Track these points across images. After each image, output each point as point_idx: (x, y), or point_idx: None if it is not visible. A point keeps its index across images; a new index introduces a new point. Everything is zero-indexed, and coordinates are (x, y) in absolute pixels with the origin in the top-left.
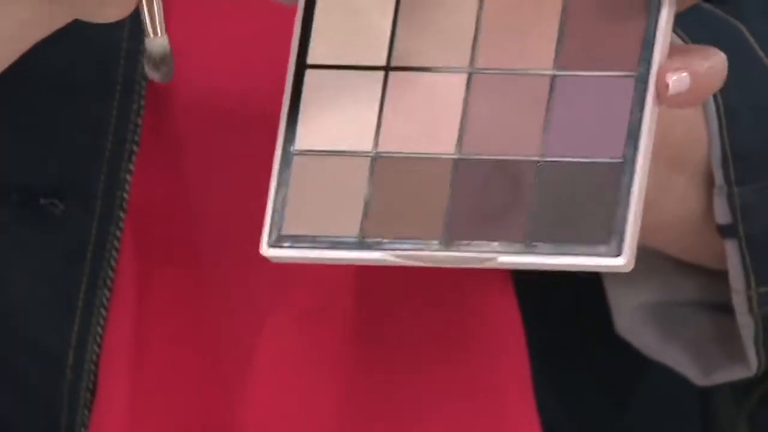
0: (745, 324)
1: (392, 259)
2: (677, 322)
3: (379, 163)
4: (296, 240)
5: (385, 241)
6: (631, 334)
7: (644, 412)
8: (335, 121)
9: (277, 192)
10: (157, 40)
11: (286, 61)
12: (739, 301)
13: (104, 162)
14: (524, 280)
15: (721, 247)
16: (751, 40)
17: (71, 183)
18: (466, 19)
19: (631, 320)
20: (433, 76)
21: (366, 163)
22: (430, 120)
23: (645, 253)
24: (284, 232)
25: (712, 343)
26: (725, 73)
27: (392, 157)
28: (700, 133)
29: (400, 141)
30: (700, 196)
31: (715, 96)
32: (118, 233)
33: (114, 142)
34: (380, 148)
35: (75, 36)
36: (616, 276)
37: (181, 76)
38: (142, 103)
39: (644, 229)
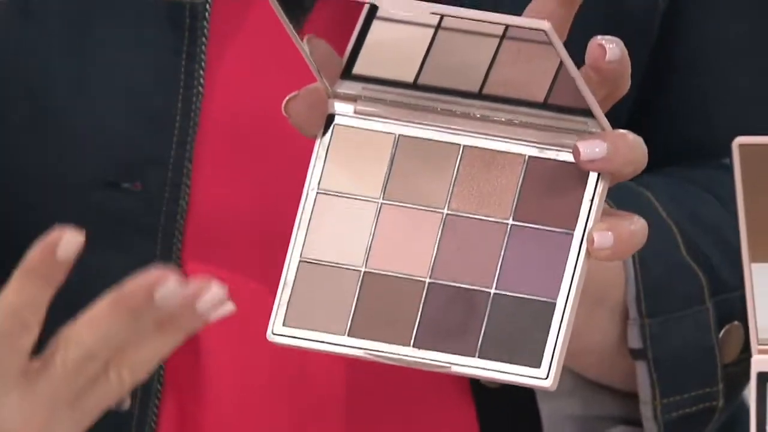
0: (650, 429)
1: (370, 357)
2: (596, 430)
3: (367, 277)
4: (297, 331)
5: (366, 341)
6: None
7: None
8: (335, 239)
9: (283, 290)
10: None
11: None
12: (646, 410)
13: None
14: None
15: (631, 370)
16: (656, 203)
17: None
18: (445, 175)
19: (557, 428)
20: (417, 212)
21: (357, 276)
22: (411, 247)
23: (570, 374)
24: (287, 323)
25: None
26: (645, 237)
27: (378, 274)
28: (619, 276)
29: (385, 262)
30: (617, 327)
31: None
32: None
33: None
34: (369, 266)
35: None
36: (548, 394)
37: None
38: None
39: (570, 355)
